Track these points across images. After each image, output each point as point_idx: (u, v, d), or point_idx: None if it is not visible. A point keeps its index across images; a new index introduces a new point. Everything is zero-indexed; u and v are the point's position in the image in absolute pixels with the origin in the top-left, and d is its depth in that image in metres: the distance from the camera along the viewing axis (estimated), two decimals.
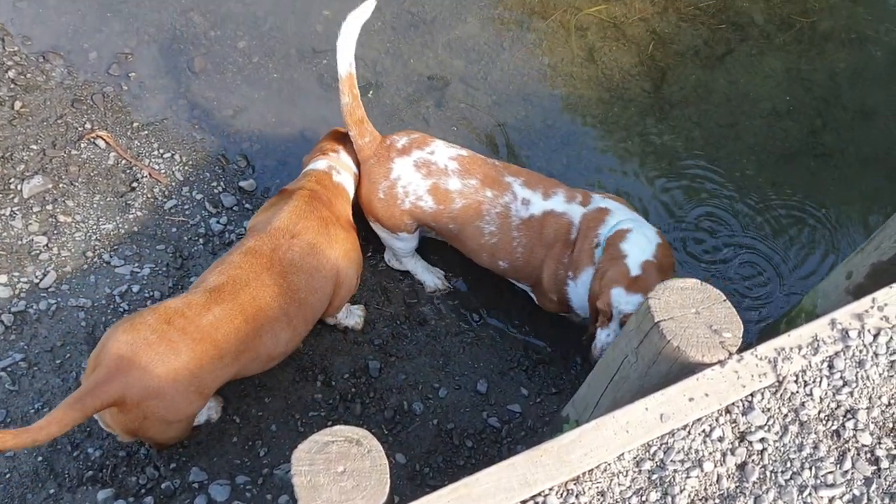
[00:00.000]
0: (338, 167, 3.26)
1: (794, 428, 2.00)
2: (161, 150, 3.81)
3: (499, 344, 3.47)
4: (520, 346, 3.49)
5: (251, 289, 2.76)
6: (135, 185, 3.68)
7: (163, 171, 3.74)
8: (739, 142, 4.07)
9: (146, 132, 3.85)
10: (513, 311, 3.55)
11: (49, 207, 3.54)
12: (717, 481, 1.93)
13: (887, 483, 1.94)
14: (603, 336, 3.05)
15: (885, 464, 1.96)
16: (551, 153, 3.97)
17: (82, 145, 3.74)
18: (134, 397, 2.52)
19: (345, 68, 3.15)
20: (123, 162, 3.73)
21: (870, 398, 2.06)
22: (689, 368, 2.07)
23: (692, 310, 2.09)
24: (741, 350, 2.09)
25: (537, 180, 3.26)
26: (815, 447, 1.98)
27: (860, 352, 2.11)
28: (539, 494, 1.87)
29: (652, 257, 2.96)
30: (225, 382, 2.81)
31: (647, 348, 2.16)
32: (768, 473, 1.94)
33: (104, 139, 3.76)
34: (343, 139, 3.39)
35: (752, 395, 2.04)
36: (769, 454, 1.97)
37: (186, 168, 3.78)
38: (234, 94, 4.02)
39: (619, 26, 4.33)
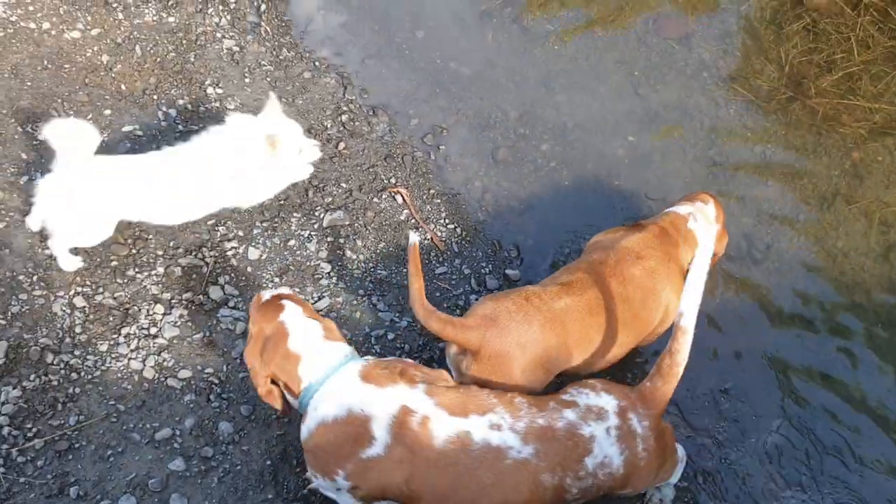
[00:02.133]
0: (697, 215, 3.46)
1: None
2: (447, 220, 4.07)
3: None
4: None
5: (596, 290, 3.10)
6: None
7: (443, 239, 3.98)
8: None
9: (439, 200, 4.13)
10: None
11: (341, 241, 3.88)
12: None
13: None
14: None
15: None
16: (818, 345, 3.77)
17: (383, 196, 4.08)
18: (488, 350, 2.93)
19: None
20: (413, 221, 4.02)
21: None
22: None
23: None
24: None
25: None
26: None
27: None
28: None
29: None
30: (561, 370, 3.08)
31: None
32: None
33: (403, 196, 4.08)
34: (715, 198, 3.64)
35: None
36: None
37: (463, 243, 4.00)
38: (525, 189, 4.23)
39: None
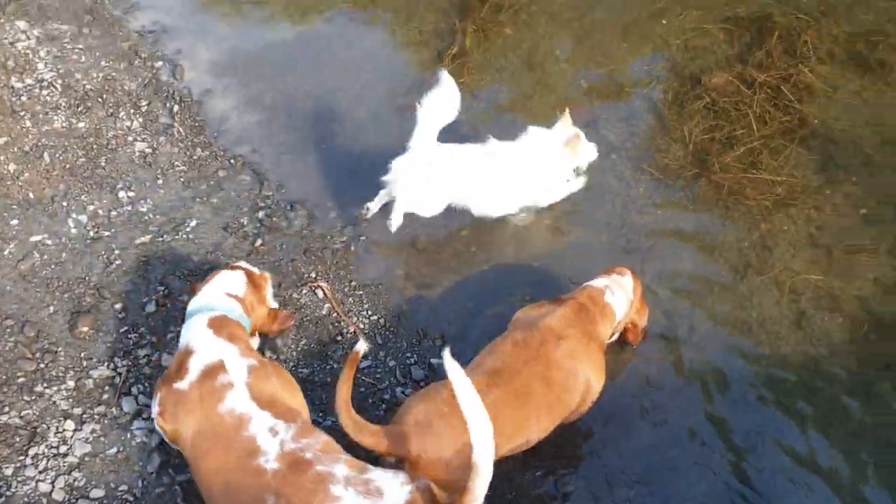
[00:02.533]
0: (614, 288, 3.57)
1: None
2: (370, 312, 4.04)
3: None
4: None
5: (523, 377, 3.14)
6: (339, 338, 3.89)
7: (366, 332, 3.95)
8: None
9: (361, 293, 4.11)
10: None
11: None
12: None
13: None
14: None
15: None
16: (742, 414, 3.82)
17: (303, 291, 4.04)
18: (426, 460, 2.89)
19: None
20: (334, 315, 3.98)
21: None
22: None
23: None
24: None
25: None
26: None
27: None
28: None
29: None
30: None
31: None
32: None
33: (323, 290, 4.05)
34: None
35: None
36: None
37: (387, 334, 3.98)
38: (447, 276, 4.25)
39: (835, 298, 4.24)
